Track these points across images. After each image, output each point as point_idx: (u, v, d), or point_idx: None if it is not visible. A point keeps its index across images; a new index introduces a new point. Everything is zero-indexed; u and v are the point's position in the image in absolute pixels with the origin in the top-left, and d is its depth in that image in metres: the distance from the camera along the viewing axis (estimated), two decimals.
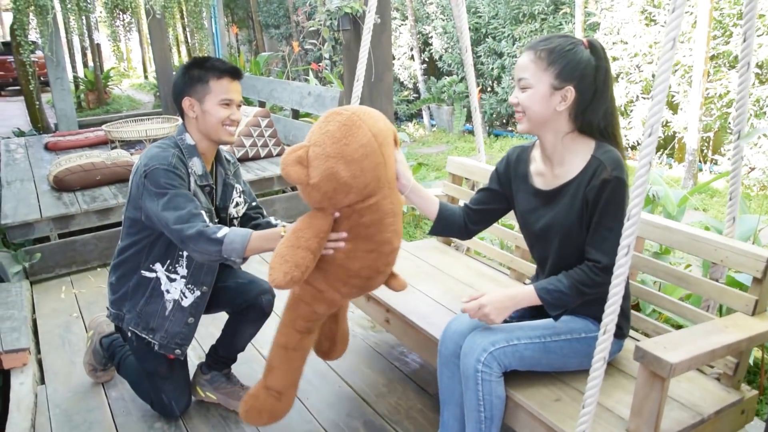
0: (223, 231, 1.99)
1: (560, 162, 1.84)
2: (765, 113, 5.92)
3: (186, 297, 2.25)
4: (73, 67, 12.31)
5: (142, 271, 2.24)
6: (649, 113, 1.42)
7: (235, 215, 2.38)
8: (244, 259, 2.01)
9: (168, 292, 2.24)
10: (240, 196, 2.39)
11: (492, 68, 8.66)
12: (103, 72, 12.18)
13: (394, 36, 10.23)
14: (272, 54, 10.53)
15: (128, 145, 5.52)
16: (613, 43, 7.01)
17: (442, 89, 9.40)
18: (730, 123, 6.19)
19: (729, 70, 6.09)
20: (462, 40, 3.02)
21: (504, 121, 9.43)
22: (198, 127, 2.16)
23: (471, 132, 9.10)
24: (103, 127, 5.65)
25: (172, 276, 2.24)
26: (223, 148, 2.38)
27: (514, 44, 8.26)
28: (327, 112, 1.82)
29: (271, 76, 7.94)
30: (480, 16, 8.69)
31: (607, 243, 1.72)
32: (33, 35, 7.35)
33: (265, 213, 2.52)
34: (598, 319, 1.76)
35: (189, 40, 10.50)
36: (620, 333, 1.92)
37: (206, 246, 1.97)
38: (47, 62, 7.11)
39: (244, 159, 5.03)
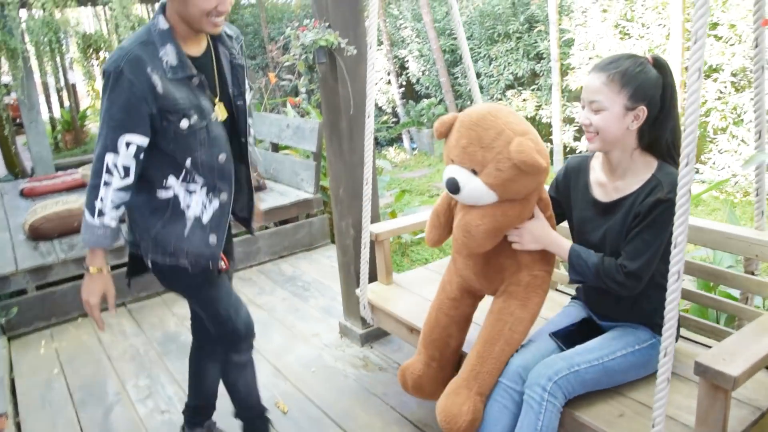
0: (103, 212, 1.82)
1: (622, 176, 1.92)
2: (743, 120, 5.92)
3: (206, 209, 1.97)
4: (49, 108, 12.15)
5: (157, 193, 1.92)
6: (684, 143, 1.45)
7: (249, 109, 2.06)
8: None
9: (189, 207, 1.95)
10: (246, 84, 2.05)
11: (469, 89, 8.60)
12: (79, 112, 12.03)
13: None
14: (249, 85, 10.45)
15: None
16: (590, 58, 7.01)
17: (421, 112, 9.37)
18: (709, 131, 6.18)
19: (705, 79, 6.08)
20: (464, 58, 3.15)
21: None
22: (177, 9, 1.80)
23: None
24: (79, 170, 5.51)
25: (191, 187, 1.94)
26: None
27: (490, 64, 8.26)
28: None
29: None
30: (455, 38, 8.68)
31: (640, 253, 1.80)
32: (5, 78, 7.21)
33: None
34: (647, 325, 1.97)
35: None
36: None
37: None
38: (20, 106, 6.97)
39: None
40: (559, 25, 7.12)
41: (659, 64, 1.84)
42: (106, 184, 1.78)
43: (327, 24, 2.84)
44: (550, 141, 7.69)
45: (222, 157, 1.94)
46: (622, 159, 1.90)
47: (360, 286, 2.91)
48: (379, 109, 10.64)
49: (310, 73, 2.96)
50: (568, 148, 7.64)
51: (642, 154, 1.89)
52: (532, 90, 7.93)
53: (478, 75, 8.54)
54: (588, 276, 1.90)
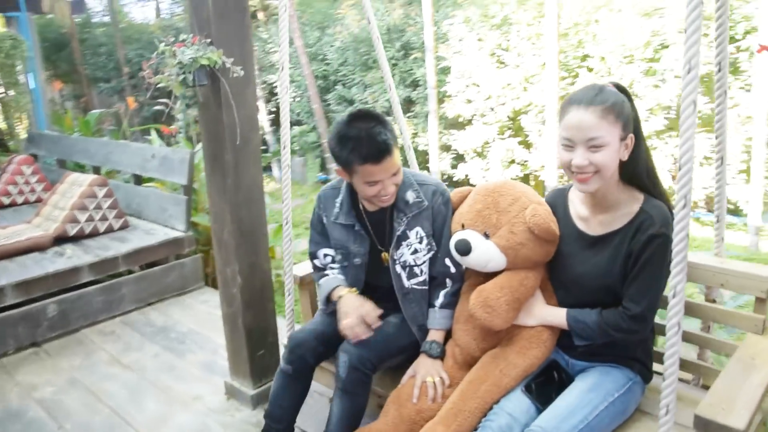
0: (324, 277, 2.34)
1: (606, 209, 1.87)
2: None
3: None
4: None
5: None
6: (678, 185, 1.43)
7: (413, 263, 2.23)
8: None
9: None
10: (422, 242, 2.22)
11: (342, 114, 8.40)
12: None
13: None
14: (104, 111, 9.63)
15: None
16: (466, 86, 7.04)
17: (292, 140, 9.04)
18: None
19: None
20: (385, 79, 3.01)
21: None
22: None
23: (325, 181, 8.78)
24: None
25: None
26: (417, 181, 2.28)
27: (365, 90, 8.11)
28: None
29: (105, 137, 7.11)
30: (328, 64, 8.48)
31: (642, 295, 1.79)
32: None
33: (441, 278, 2.27)
34: (623, 363, 1.93)
35: (3, 98, 9.33)
36: (648, 376, 2.01)
37: (320, 292, 2.36)
38: None
39: (79, 236, 4.30)
40: (436, 52, 7.11)
41: (622, 90, 1.81)
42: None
43: (209, 40, 2.47)
44: (427, 169, 7.64)
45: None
46: (607, 192, 1.84)
47: (287, 333, 2.63)
48: None
49: (186, 98, 2.56)
50: (445, 176, 7.62)
51: (625, 187, 1.85)
52: (409, 117, 7.86)
53: (352, 102, 8.37)
54: (593, 335, 1.88)
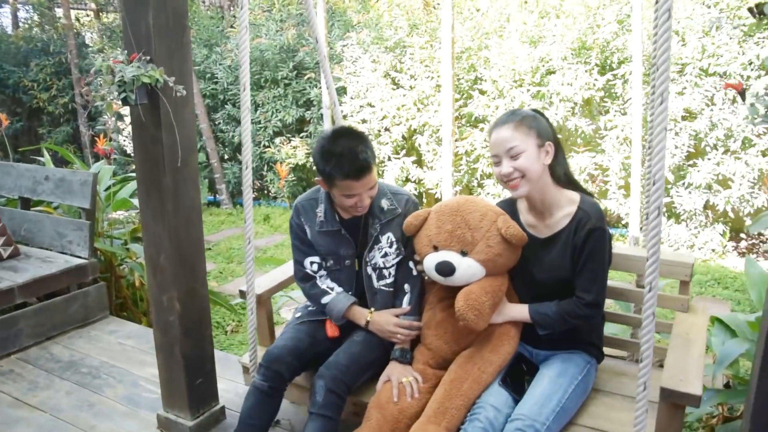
0: (328, 297, 2.44)
1: (550, 213, 2.13)
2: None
3: None
4: None
5: None
6: (650, 199, 1.59)
7: (383, 265, 2.42)
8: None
9: None
10: (392, 246, 2.41)
11: (233, 136, 8.28)
12: None
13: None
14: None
15: None
16: (361, 107, 7.15)
17: None
18: (477, 177, 6.63)
19: (473, 129, 6.54)
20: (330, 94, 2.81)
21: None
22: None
23: (214, 203, 8.55)
24: None
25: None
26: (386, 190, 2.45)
27: (257, 110, 8.01)
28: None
29: None
30: (216, 82, 8.30)
31: (591, 283, 2.05)
32: None
33: (404, 285, 2.46)
34: (581, 349, 2.21)
35: None
36: (600, 357, 2.30)
37: (316, 305, 2.50)
38: None
39: None
40: (331, 72, 7.16)
41: (538, 112, 2.15)
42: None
43: (148, 58, 2.38)
44: None
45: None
46: (545, 197, 2.11)
47: (249, 352, 2.65)
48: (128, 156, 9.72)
49: (120, 117, 2.45)
50: None
51: (561, 190, 2.12)
52: (302, 137, 7.85)
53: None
54: (554, 324, 2.11)
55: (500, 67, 6.27)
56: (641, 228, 5.74)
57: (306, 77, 7.69)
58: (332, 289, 2.47)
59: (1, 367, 3.58)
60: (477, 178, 6.66)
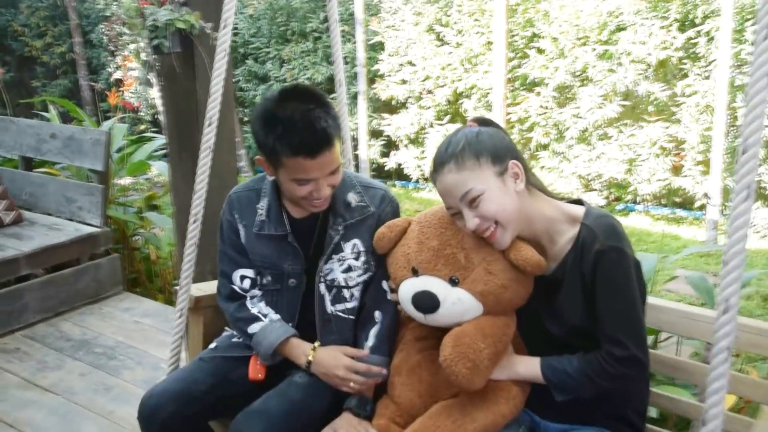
0: (257, 326, 1.97)
1: (551, 241, 1.73)
2: (564, 137, 6.40)
3: None
4: None
5: None
6: (740, 172, 1.20)
7: (343, 283, 1.98)
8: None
9: None
10: (358, 258, 1.97)
11: (255, 95, 8.29)
12: None
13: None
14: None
15: None
16: (400, 65, 7.11)
17: None
18: (530, 148, 6.59)
19: (528, 93, 6.49)
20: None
21: None
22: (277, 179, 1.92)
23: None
24: None
25: None
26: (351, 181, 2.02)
27: (281, 67, 8.01)
28: None
29: None
30: (236, 33, 8.29)
31: (619, 330, 1.60)
32: None
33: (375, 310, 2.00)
34: (611, 426, 1.70)
35: None
36: None
37: (241, 334, 2.03)
38: None
39: None
40: (367, 26, 7.13)
41: (486, 122, 1.75)
42: None
43: (182, 0, 2.37)
44: (355, 156, 7.65)
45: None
46: (536, 228, 1.72)
47: (168, 371, 2.21)
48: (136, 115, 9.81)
49: (153, 67, 2.46)
50: (375, 164, 7.66)
51: (553, 207, 1.73)
52: (333, 98, 7.80)
53: (266, 79, 8.24)
54: (575, 387, 1.67)
55: (561, 22, 6.19)
56: (722, 211, 5.69)
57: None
58: (265, 315, 1.99)
59: (6, 344, 3.65)
60: (530, 149, 6.61)
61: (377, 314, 1.97)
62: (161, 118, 9.49)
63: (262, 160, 1.86)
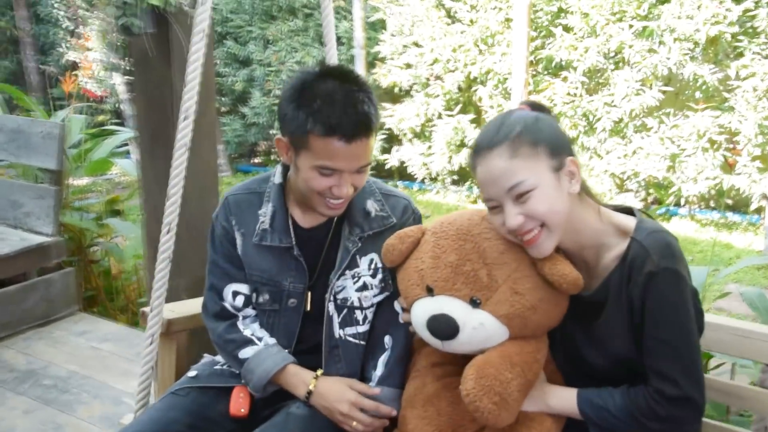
0: (250, 350, 1.96)
1: (596, 257, 1.72)
2: (595, 129, 6.38)
3: None
4: None
5: None
6: None
7: (357, 303, 1.99)
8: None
9: None
10: (375, 276, 1.98)
11: (235, 80, 8.27)
12: None
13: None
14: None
15: None
16: (405, 47, 7.09)
17: None
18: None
19: (553, 78, 6.46)
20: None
21: (250, 150, 9.08)
22: (291, 173, 1.93)
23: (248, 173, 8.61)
24: None
25: None
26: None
27: (266, 48, 8.00)
28: None
29: None
30: (214, 9, 8.28)
31: (670, 364, 1.62)
32: None
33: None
34: None
35: None
36: None
37: (229, 359, 2.02)
38: None
39: None
40: (366, 1, 7.12)
41: (541, 107, 1.75)
42: None
43: None
44: None
45: None
46: (583, 240, 1.72)
47: (136, 407, 2.23)
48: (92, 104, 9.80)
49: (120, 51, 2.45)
50: (374, 162, 7.63)
51: (604, 219, 1.72)
52: None
53: (248, 62, 8.23)
54: (620, 426, 1.67)
55: None
56: None
57: (334, 5, 7.63)
58: (260, 339, 2.00)
59: None
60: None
61: (387, 339, 1.99)
62: (124, 108, 9.51)
63: (283, 141, 1.85)
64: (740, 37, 5.79)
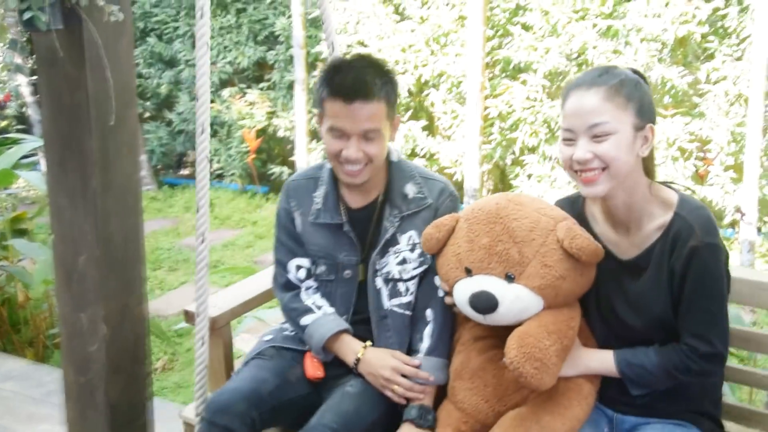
0: (310, 317, 2.43)
1: (637, 225, 2.09)
2: (557, 137, 6.46)
3: None
4: None
5: None
6: None
7: (398, 276, 2.43)
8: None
9: None
10: (413, 250, 2.42)
11: (159, 84, 8.24)
12: None
13: None
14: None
15: None
16: (349, 46, 7.14)
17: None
18: (515, 151, 6.65)
19: (512, 81, 6.55)
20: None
21: (177, 161, 9.03)
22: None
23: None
24: None
25: None
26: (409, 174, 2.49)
27: (194, 47, 7.96)
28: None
29: None
30: (134, 2, 8.25)
31: (707, 327, 2.00)
32: None
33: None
34: (689, 419, 2.11)
35: None
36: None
37: (294, 325, 2.51)
38: None
39: None
40: None
41: (641, 75, 2.09)
42: None
43: None
44: (291, 163, 7.67)
45: None
46: (633, 202, 2.06)
47: (196, 402, 2.55)
48: None
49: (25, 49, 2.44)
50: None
51: (653, 191, 2.08)
52: (263, 89, 7.85)
53: (174, 62, 8.23)
54: (654, 382, 2.05)
55: None
56: (759, 229, 5.76)
57: (269, 0, 7.68)
58: (320, 307, 2.48)
59: None
60: (514, 153, 6.69)
61: (429, 312, 2.41)
62: (30, 112, 9.42)
63: (317, 114, 2.39)
64: (710, 38, 5.99)
